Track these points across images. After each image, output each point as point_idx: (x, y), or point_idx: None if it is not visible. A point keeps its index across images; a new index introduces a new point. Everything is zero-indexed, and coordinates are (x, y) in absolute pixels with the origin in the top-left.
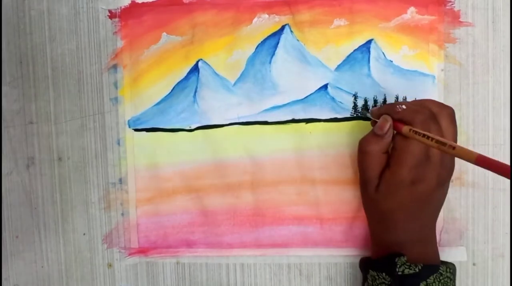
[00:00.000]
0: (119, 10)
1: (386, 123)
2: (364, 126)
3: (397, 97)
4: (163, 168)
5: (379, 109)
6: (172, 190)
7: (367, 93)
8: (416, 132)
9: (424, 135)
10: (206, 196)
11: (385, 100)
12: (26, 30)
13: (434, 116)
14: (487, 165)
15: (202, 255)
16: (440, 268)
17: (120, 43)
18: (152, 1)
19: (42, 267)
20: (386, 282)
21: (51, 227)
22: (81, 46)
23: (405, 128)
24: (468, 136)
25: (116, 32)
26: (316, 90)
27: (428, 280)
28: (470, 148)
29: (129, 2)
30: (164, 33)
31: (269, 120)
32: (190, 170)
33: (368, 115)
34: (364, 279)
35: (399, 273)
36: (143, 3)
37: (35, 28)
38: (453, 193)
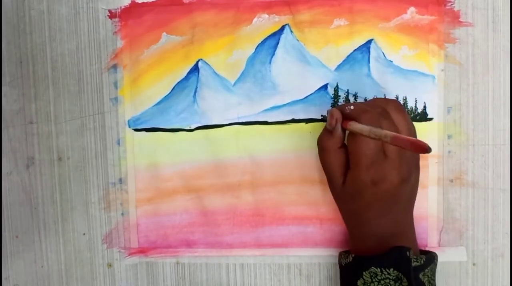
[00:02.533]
0: (119, 10)
1: (332, 118)
2: None
3: (397, 97)
4: (163, 168)
5: (332, 110)
6: (172, 190)
7: (367, 93)
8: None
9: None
10: (206, 196)
11: None
12: (26, 30)
13: (385, 112)
14: (400, 143)
15: (202, 255)
16: (435, 258)
17: (120, 43)
18: (152, 1)
19: (42, 267)
20: (391, 277)
21: (51, 227)
22: (81, 46)
23: (349, 125)
24: (468, 136)
25: (116, 32)
26: (316, 90)
27: (425, 270)
28: (470, 148)
29: (129, 2)
30: (164, 33)
31: (269, 120)
32: (190, 170)
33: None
34: (353, 276)
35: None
36: (143, 3)
37: (35, 28)
38: (453, 193)
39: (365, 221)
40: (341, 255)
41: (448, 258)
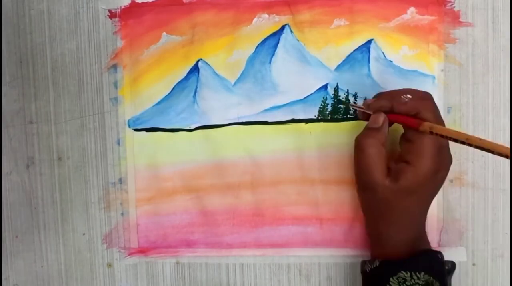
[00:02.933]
0: (119, 10)
1: (380, 116)
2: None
3: None
4: (163, 167)
5: (378, 102)
6: (172, 190)
7: (367, 93)
8: (438, 133)
9: (450, 137)
10: (206, 196)
11: None
12: (26, 30)
13: (428, 94)
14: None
15: (202, 255)
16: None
17: (120, 43)
18: (152, 1)
19: (42, 267)
20: (420, 283)
21: (51, 227)
22: (81, 46)
23: (424, 126)
24: None
25: (116, 32)
26: (316, 90)
27: (450, 275)
28: (470, 149)
29: (129, 2)
30: (164, 33)
31: (269, 120)
32: (190, 169)
33: (351, 107)
34: (379, 282)
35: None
36: (143, 3)
37: (35, 28)
38: (453, 193)
39: (407, 224)
40: (365, 262)
41: (448, 258)
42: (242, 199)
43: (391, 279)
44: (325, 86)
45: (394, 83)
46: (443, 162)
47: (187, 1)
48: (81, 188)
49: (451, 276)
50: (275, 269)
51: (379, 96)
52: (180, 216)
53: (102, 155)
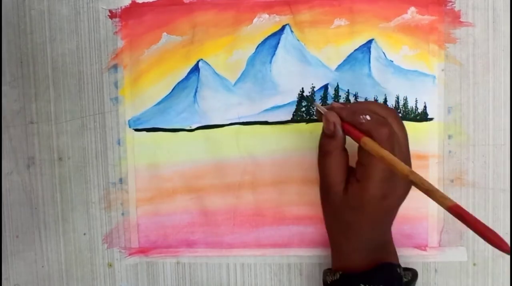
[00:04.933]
0: (120, 10)
1: (329, 123)
2: None
3: (397, 97)
4: (164, 167)
5: (340, 110)
6: (172, 190)
7: (368, 93)
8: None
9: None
10: (207, 195)
11: (385, 100)
12: (27, 30)
13: (392, 127)
14: (459, 216)
15: (202, 255)
16: (417, 274)
17: (120, 43)
18: (153, 1)
19: (43, 266)
20: None
21: (52, 226)
22: (81, 46)
23: (364, 141)
24: (469, 136)
25: (116, 32)
26: (317, 90)
27: (411, 284)
28: (471, 148)
29: (130, 2)
30: (165, 33)
31: (270, 120)
32: (190, 169)
33: (314, 105)
34: None
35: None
36: (143, 3)
37: (36, 28)
38: (453, 193)
39: (356, 236)
40: (326, 273)
41: (448, 258)
42: (242, 199)
43: None
44: (325, 86)
45: (395, 83)
46: (393, 189)
47: (188, 1)
48: (82, 188)
49: (415, 284)
50: (275, 269)
51: (345, 106)
52: (180, 216)
53: (102, 155)
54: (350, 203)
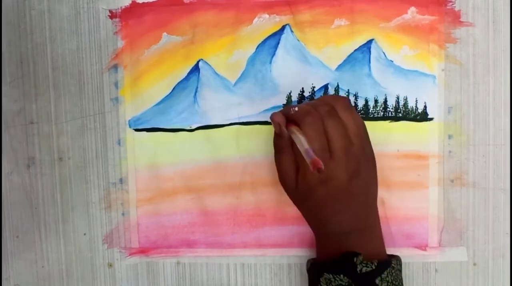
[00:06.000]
0: (120, 10)
1: (275, 124)
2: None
3: (398, 97)
4: (164, 168)
5: (280, 110)
6: (172, 190)
7: (368, 93)
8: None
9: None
10: (207, 196)
11: (386, 100)
12: (27, 30)
13: (332, 111)
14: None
15: (202, 255)
16: (392, 261)
17: (120, 43)
18: (153, 1)
19: (43, 267)
20: (344, 284)
21: (52, 227)
22: (81, 46)
23: (290, 131)
24: (469, 136)
25: (116, 32)
26: (317, 91)
27: (382, 275)
28: (471, 148)
29: (130, 2)
30: (165, 33)
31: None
32: (190, 169)
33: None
34: (315, 283)
35: (358, 271)
36: (143, 3)
37: (36, 28)
38: (453, 193)
39: (323, 220)
40: (306, 262)
41: (448, 258)
42: (242, 199)
43: (320, 279)
44: (325, 86)
45: (395, 83)
46: (330, 173)
47: (188, 1)
48: (82, 188)
49: (392, 273)
50: (275, 269)
51: (282, 109)
52: (180, 216)
53: (102, 155)
54: (299, 194)
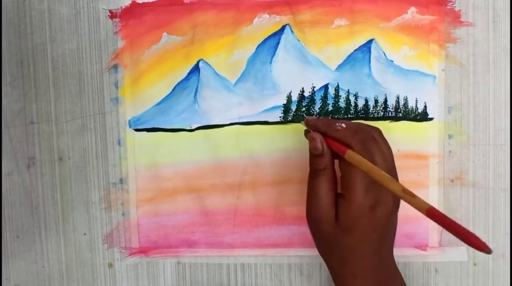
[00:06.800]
0: (120, 10)
1: (316, 142)
2: None
3: (398, 97)
4: (164, 168)
5: (316, 121)
6: (172, 190)
7: (368, 93)
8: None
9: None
10: (207, 196)
11: (386, 100)
12: (27, 30)
13: (373, 137)
14: (436, 219)
15: (202, 255)
16: None
17: (120, 43)
18: (153, 1)
19: (43, 267)
20: None
21: (52, 227)
22: (81, 46)
23: (348, 154)
24: (469, 136)
25: (116, 32)
26: (317, 91)
27: None
28: (471, 148)
29: (130, 2)
30: (165, 33)
31: (270, 120)
32: (190, 170)
33: (302, 123)
34: None
35: None
36: (143, 3)
37: (36, 28)
38: (453, 193)
39: (353, 260)
40: None
41: (449, 258)
42: (242, 199)
43: None
44: (325, 86)
45: (395, 83)
46: (380, 198)
47: (188, 1)
48: (82, 188)
49: None
50: (276, 269)
51: (318, 119)
52: (181, 216)
53: (103, 155)
54: (342, 226)
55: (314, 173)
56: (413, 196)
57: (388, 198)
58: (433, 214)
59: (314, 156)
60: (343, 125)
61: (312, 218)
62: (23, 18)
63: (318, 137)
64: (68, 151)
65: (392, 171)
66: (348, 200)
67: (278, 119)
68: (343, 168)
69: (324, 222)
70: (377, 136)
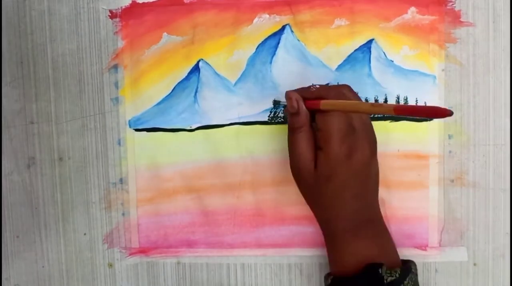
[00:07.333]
0: (120, 10)
1: (292, 100)
2: None
3: (398, 97)
4: (164, 168)
5: (293, 90)
6: (172, 190)
7: (368, 93)
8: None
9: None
10: (207, 196)
11: (386, 100)
12: (27, 30)
13: (343, 91)
14: (405, 112)
15: (202, 255)
16: (412, 267)
17: (120, 43)
18: (153, 1)
19: (43, 267)
20: None
21: (52, 227)
22: (82, 46)
23: (322, 103)
24: (469, 136)
25: (116, 32)
26: None
27: (404, 281)
28: (471, 148)
29: (130, 2)
30: (165, 33)
31: (270, 120)
32: (190, 170)
33: (282, 103)
34: None
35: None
36: (143, 3)
37: (36, 28)
38: (453, 193)
39: (341, 208)
40: (325, 277)
41: (449, 258)
42: (242, 199)
43: None
44: None
45: (395, 83)
46: (355, 146)
47: (188, 1)
48: (82, 188)
49: (412, 279)
50: (276, 269)
51: (295, 89)
52: (181, 216)
53: (103, 155)
54: (322, 175)
55: (292, 131)
56: (381, 105)
57: (364, 146)
58: (400, 109)
59: (291, 115)
60: (317, 86)
61: (295, 171)
62: (23, 18)
63: (294, 96)
64: (68, 151)
65: (366, 120)
66: (325, 151)
67: (279, 119)
68: (319, 122)
69: (305, 172)
70: (348, 91)
